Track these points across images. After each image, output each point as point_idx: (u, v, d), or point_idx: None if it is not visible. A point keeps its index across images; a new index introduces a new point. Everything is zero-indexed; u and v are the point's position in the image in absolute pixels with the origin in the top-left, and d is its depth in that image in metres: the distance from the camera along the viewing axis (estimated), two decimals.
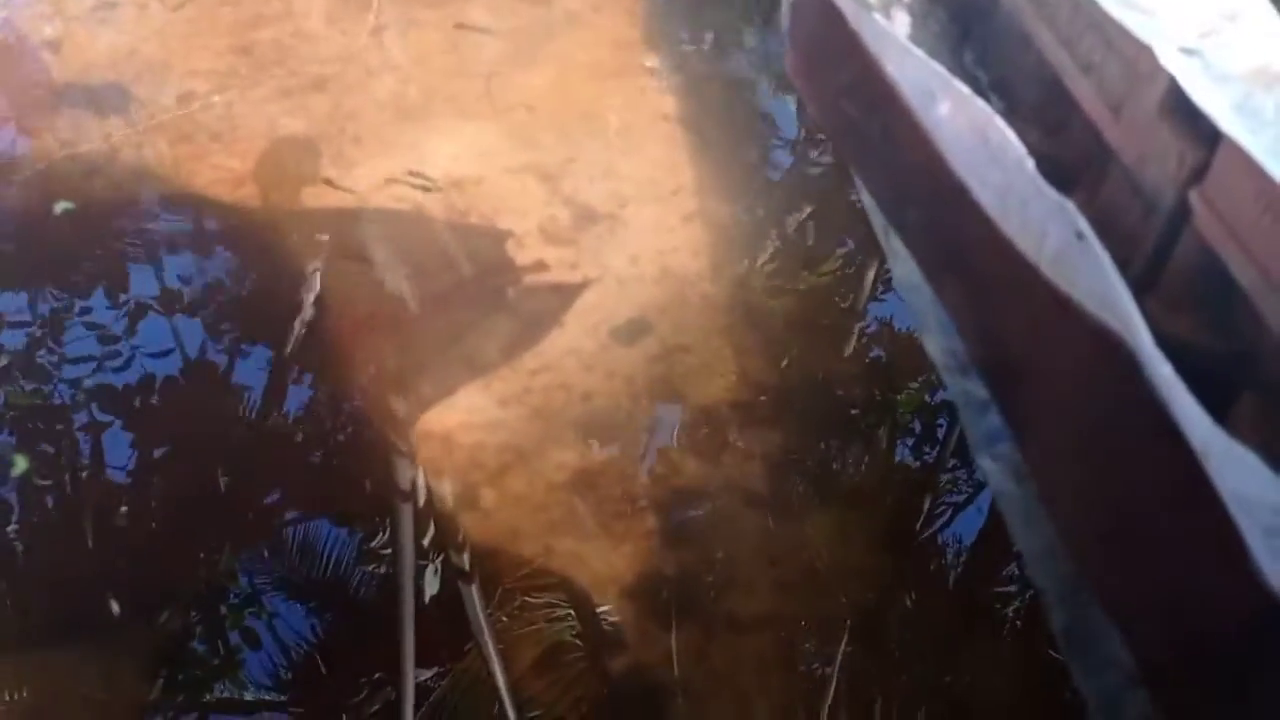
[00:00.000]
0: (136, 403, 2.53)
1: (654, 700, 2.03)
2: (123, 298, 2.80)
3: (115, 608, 2.13)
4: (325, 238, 2.99)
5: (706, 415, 2.53)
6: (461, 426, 2.49)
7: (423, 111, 3.42)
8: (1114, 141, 2.17)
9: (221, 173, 3.16)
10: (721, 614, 2.14)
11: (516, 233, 2.99)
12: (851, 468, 2.50)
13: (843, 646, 2.10)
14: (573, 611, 2.16)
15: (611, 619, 2.14)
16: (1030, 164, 2.13)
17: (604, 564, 2.22)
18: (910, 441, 2.58)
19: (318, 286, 2.83)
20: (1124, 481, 1.84)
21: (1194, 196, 1.89)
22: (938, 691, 2.06)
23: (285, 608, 2.17)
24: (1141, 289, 1.90)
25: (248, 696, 2.02)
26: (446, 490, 2.37)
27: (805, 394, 2.62)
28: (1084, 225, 1.92)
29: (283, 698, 2.03)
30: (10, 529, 2.26)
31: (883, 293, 2.95)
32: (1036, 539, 2.21)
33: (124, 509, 2.31)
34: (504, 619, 2.14)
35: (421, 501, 2.35)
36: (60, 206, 3.03)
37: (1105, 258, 1.84)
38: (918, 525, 2.39)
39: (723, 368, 2.64)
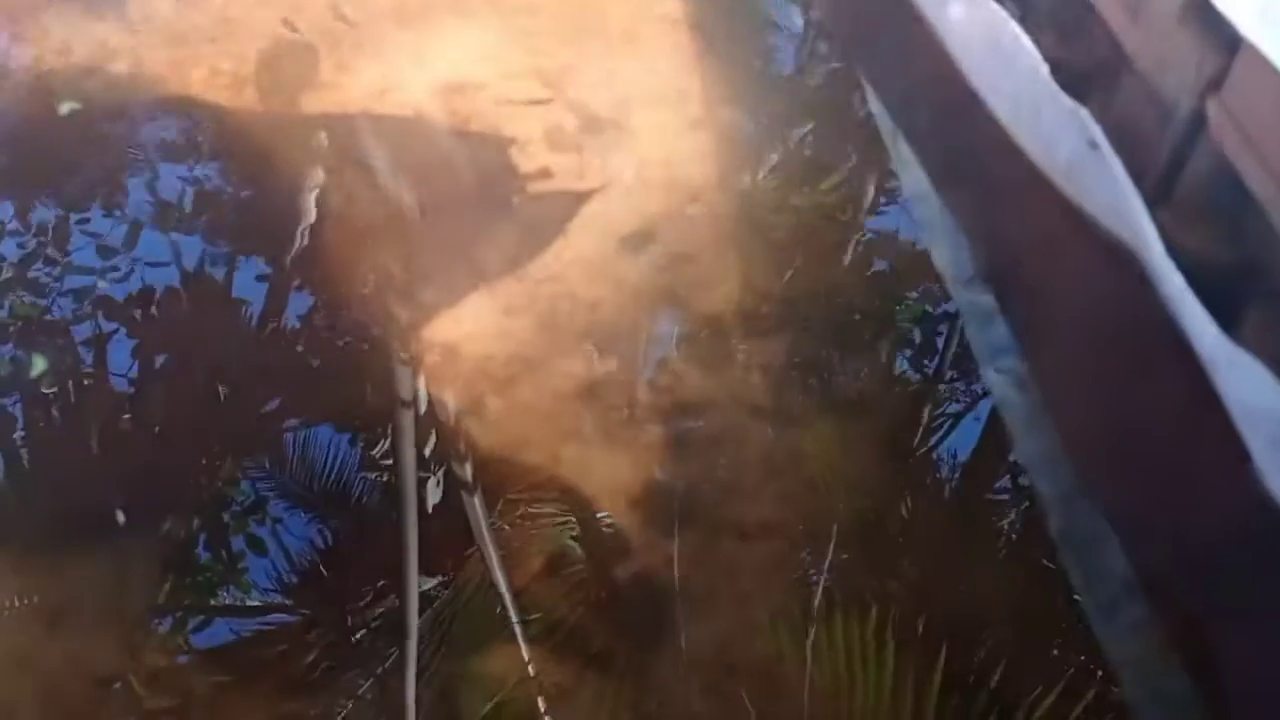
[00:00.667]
0: (137, 314, 2.53)
1: (656, 604, 2.06)
2: (120, 208, 2.78)
3: (121, 516, 2.15)
4: (325, 144, 2.95)
5: (712, 325, 2.52)
6: (467, 336, 2.48)
7: (423, 15, 3.35)
8: (1130, 47, 2.13)
9: (220, 77, 3.11)
10: (724, 521, 2.16)
11: (520, 140, 2.95)
12: (855, 378, 2.50)
13: (843, 553, 2.12)
14: (574, 520, 2.18)
15: (614, 526, 2.17)
16: (1045, 70, 2.09)
17: (610, 472, 2.24)
18: (913, 352, 2.58)
19: (318, 194, 2.81)
20: (1131, 392, 1.84)
21: (1211, 105, 1.85)
22: (936, 597, 2.09)
23: (288, 515, 2.18)
24: (1154, 200, 1.88)
25: (253, 601, 2.05)
26: (452, 400, 2.38)
27: (810, 304, 2.61)
28: (1098, 134, 1.90)
29: (288, 602, 2.06)
30: (15, 436, 2.27)
31: (890, 203, 2.92)
32: (1038, 448, 2.23)
33: (127, 417, 2.32)
34: (506, 528, 2.16)
35: (423, 410, 2.36)
36: (66, 106, 2.99)
37: (1119, 167, 1.82)
38: (919, 435, 2.40)
39: (728, 277, 2.62)
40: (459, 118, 3.02)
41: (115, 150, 2.96)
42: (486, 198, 2.81)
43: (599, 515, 2.18)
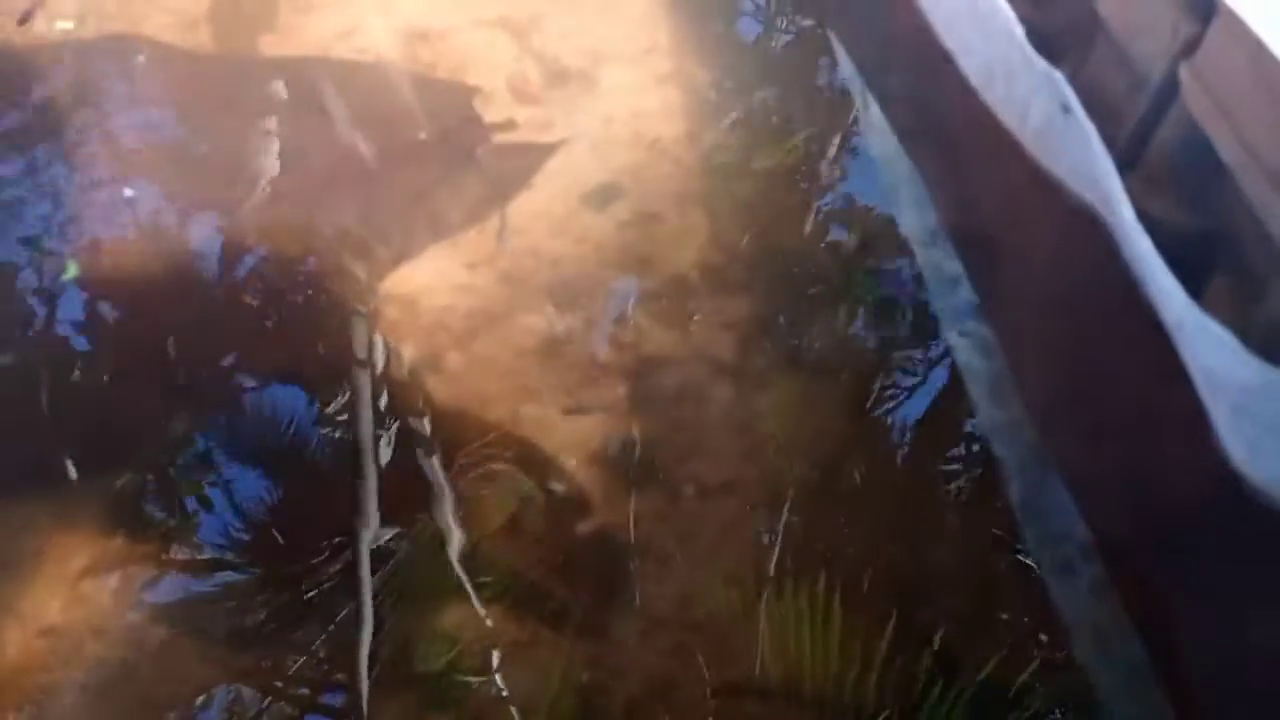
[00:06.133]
0: (87, 264, 2.46)
1: (615, 561, 2.04)
2: (71, 157, 2.70)
3: (71, 470, 2.10)
4: (283, 88, 2.88)
5: (676, 283, 2.50)
6: (427, 289, 2.44)
7: None
8: (1105, 10, 2.11)
9: (173, 16, 3.02)
10: (686, 480, 2.15)
11: (485, 89, 2.89)
12: (819, 339, 2.49)
13: (799, 514, 2.12)
14: (532, 481, 2.16)
15: (572, 485, 2.14)
16: (1019, 32, 2.07)
17: (571, 429, 2.22)
18: (876, 315, 2.56)
19: (276, 144, 2.74)
20: (1095, 357, 1.84)
21: (1184, 70, 1.84)
22: (890, 559, 2.09)
23: (241, 472, 2.15)
24: (1123, 166, 1.86)
25: (205, 556, 2.01)
26: (411, 354, 2.34)
27: (775, 264, 2.59)
28: (1071, 98, 1.89)
29: (241, 558, 2.03)
30: None
31: (856, 166, 2.90)
32: (1000, 413, 2.23)
33: (77, 372, 2.27)
34: (462, 487, 2.13)
35: (380, 367, 2.32)
36: (59, 26, 2.95)
37: (1091, 131, 1.81)
38: (879, 397, 2.40)
39: (694, 236, 2.59)
40: (422, 65, 2.95)
41: (66, 94, 2.86)
42: (449, 147, 2.76)
43: (557, 473, 2.16)
